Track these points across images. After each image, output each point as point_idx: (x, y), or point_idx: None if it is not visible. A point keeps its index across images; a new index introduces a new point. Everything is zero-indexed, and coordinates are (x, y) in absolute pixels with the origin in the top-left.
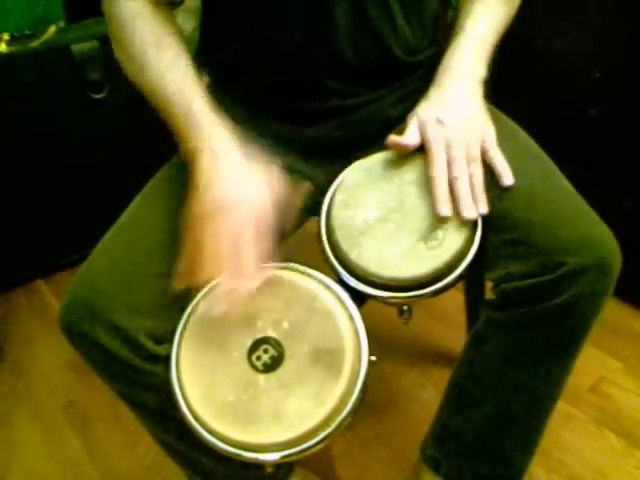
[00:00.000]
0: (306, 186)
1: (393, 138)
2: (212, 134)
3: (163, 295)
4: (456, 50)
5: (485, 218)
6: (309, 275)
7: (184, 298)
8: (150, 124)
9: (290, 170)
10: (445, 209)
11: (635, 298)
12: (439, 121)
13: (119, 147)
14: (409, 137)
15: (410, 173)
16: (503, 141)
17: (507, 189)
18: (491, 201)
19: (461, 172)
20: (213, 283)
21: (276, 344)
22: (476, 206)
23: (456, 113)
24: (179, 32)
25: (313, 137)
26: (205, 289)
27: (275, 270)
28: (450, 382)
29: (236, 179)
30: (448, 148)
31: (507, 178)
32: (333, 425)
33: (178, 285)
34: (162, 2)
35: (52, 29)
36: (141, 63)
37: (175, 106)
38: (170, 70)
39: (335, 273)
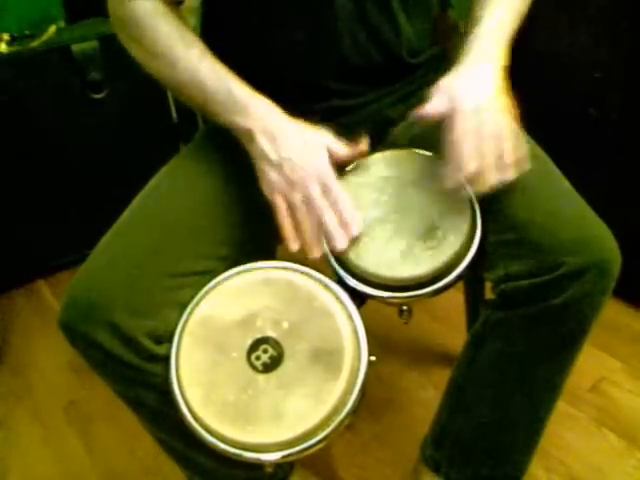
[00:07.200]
0: (364, 141)
1: (420, 110)
2: (262, 114)
3: (164, 294)
4: (474, 39)
5: (484, 218)
6: (308, 275)
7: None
8: (150, 124)
9: None
10: (472, 164)
11: (635, 298)
12: (465, 89)
13: (119, 147)
14: (436, 103)
15: (409, 173)
16: None
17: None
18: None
19: (489, 136)
20: (211, 284)
21: (275, 344)
22: (503, 173)
23: (477, 92)
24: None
25: None
26: (205, 288)
27: (275, 270)
28: (450, 382)
29: (299, 151)
30: (476, 113)
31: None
32: (333, 425)
33: (292, 249)
34: (170, 1)
35: (52, 29)
36: (170, 61)
37: (216, 94)
38: (203, 62)
39: (334, 273)
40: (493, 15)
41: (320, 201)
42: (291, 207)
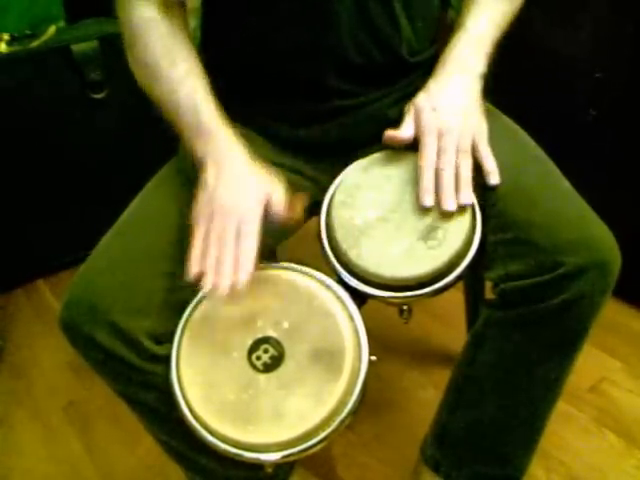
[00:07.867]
0: (302, 196)
1: (389, 133)
2: (218, 147)
3: (164, 294)
4: (455, 45)
5: (484, 218)
6: (309, 275)
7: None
8: (150, 124)
9: (290, 170)
10: (428, 199)
11: (635, 298)
12: (434, 109)
13: (119, 147)
14: (404, 130)
15: (409, 172)
16: (503, 141)
17: (493, 188)
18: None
19: (448, 163)
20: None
21: (276, 344)
22: (459, 197)
23: (451, 104)
24: (191, 37)
25: (312, 137)
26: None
27: (275, 270)
28: (450, 382)
29: (234, 186)
30: (440, 137)
31: (493, 177)
32: (333, 425)
33: (186, 277)
34: (173, 3)
35: (52, 29)
36: (154, 74)
37: (185, 118)
38: (182, 84)
39: (335, 273)
40: (476, 23)
41: (228, 241)
42: (206, 235)
